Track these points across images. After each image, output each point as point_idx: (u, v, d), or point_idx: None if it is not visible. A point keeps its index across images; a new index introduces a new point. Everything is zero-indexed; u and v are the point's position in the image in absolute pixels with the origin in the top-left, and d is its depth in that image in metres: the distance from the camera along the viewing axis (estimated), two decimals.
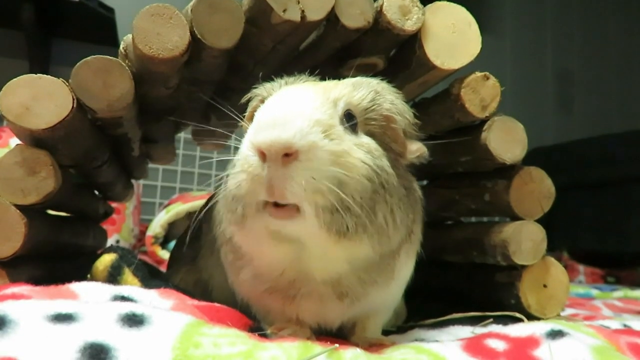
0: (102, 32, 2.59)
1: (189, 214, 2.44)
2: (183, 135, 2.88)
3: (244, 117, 0.81)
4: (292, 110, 0.64)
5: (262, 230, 0.66)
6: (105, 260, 0.94)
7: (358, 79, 0.77)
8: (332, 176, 0.63)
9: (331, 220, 0.63)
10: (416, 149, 0.77)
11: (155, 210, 2.92)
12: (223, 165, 0.70)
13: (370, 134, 0.73)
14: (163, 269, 1.54)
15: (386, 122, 0.74)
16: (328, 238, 0.65)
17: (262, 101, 0.77)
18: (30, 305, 0.57)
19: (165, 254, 2.38)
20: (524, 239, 0.97)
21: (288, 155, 0.61)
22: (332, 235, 0.64)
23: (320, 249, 0.67)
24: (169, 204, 2.61)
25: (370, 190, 0.66)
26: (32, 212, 0.81)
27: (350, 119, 0.71)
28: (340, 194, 0.62)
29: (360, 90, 0.74)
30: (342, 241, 0.65)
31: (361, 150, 0.68)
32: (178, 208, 2.51)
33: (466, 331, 0.89)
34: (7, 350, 0.49)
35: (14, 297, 0.64)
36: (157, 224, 2.49)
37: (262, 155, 0.62)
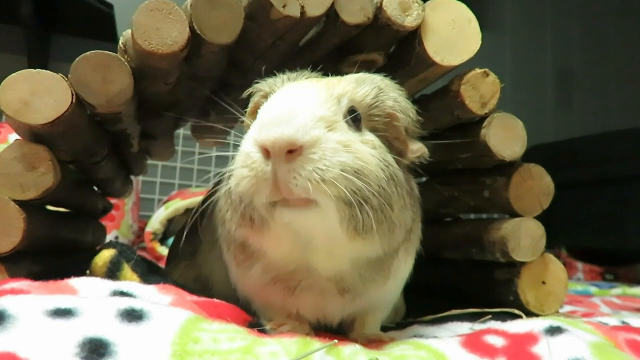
0: (101, 28, 2.58)
1: (188, 210, 2.44)
2: (182, 132, 2.87)
3: (244, 112, 0.81)
4: (296, 107, 0.64)
5: (282, 229, 0.65)
6: (105, 256, 0.93)
7: (361, 75, 0.77)
8: (341, 162, 0.62)
9: (350, 215, 0.63)
10: (417, 149, 0.77)
11: (154, 206, 2.92)
12: (222, 161, 0.70)
13: (373, 130, 0.73)
14: (162, 265, 1.54)
15: (389, 119, 0.74)
16: (344, 235, 0.64)
17: (264, 96, 0.77)
18: (30, 300, 0.57)
19: (164, 250, 2.38)
20: (523, 236, 0.97)
21: (292, 151, 0.61)
22: (349, 232, 0.64)
23: (329, 247, 0.67)
24: (168, 200, 2.61)
25: (385, 180, 0.66)
26: (31, 208, 0.81)
27: (353, 116, 0.71)
28: (356, 182, 0.62)
29: (364, 86, 0.74)
30: (357, 239, 0.65)
31: (366, 146, 0.68)
32: (177, 204, 2.50)
33: (465, 327, 0.89)
34: (6, 345, 0.49)
35: (13, 292, 0.64)
36: (156, 220, 2.49)
37: (266, 153, 0.61)
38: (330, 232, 0.65)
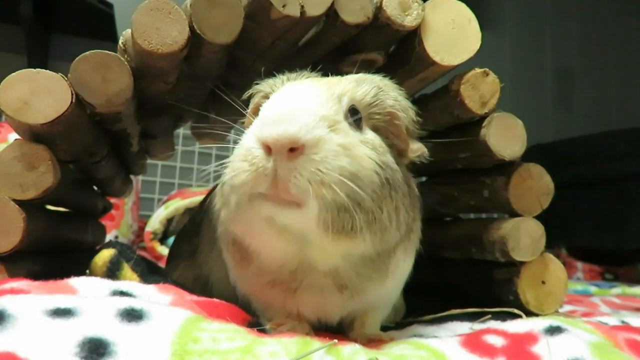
0: (100, 27, 2.58)
1: (188, 210, 2.44)
2: (182, 131, 2.87)
3: (245, 111, 0.81)
4: (298, 106, 0.64)
5: (256, 216, 0.66)
6: (104, 256, 0.93)
7: (360, 75, 0.77)
8: (341, 167, 0.62)
9: (334, 218, 0.63)
10: (417, 148, 0.77)
11: (154, 206, 2.92)
12: (222, 160, 0.70)
13: (374, 129, 0.73)
14: (162, 264, 1.54)
15: (390, 117, 0.74)
16: (324, 236, 0.65)
17: (265, 97, 0.77)
18: (29, 300, 0.57)
19: (164, 250, 2.38)
20: (523, 236, 0.97)
21: (294, 150, 0.61)
22: (331, 234, 0.64)
23: (318, 242, 0.67)
24: (167, 200, 2.61)
25: (378, 184, 0.66)
26: (30, 207, 0.81)
27: (354, 115, 0.71)
28: (352, 187, 0.62)
29: (364, 86, 0.74)
30: (341, 239, 0.65)
31: (366, 147, 0.68)
32: (177, 204, 2.50)
33: (464, 327, 0.89)
34: (6, 345, 0.49)
35: (13, 291, 0.64)
36: (156, 220, 2.49)
37: (268, 149, 0.62)
38: (310, 230, 0.65)
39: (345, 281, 0.73)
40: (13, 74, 0.78)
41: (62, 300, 0.58)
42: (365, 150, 0.67)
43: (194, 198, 2.48)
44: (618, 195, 2.94)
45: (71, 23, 2.71)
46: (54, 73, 0.79)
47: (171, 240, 2.41)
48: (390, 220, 0.69)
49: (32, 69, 0.78)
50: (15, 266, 0.81)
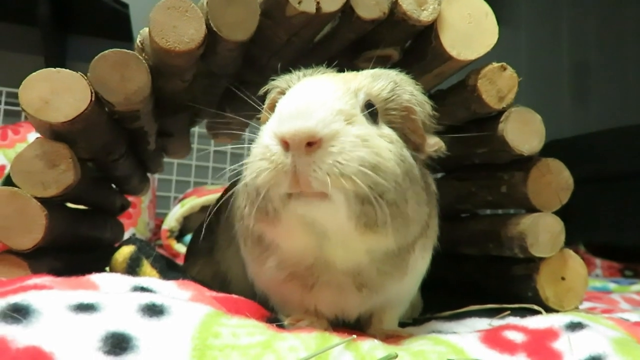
0: (116, 28, 2.60)
1: (204, 208, 2.46)
2: (197, 130, 2.89)
3: (261, 107, 0.81)
4: (315, 101, 0.64)
5: (294, 221, 0.65)
6: (124, 252, 0.95)
7: (377, 70, 0.77)
8: (360, 157, 0.62)
9: (361, 211, 0.63)
10: (434, 143, 0.76)
11: (171, 204, 2.95)
12: (237, 158, 0.70)
13: (390, 124, 0.73)
14: (179, 262, 1.55)
15: (406, 112, 0.74)
16: (354, 230, 0.65)
17: (281, 93, 0.77)
18: (53, 296, 0.58)
19: (180, 248, 2.40)
20: (542, 231, 0.96)
21: (311, 144, 0.61)
22: (359, 228, 0.64)
23: (343, 240, 0.67)
24: (184, 198, 2.63)
25: (400, 176, 0.66)
26: (52, 205, 0.82)
27: (371, 110, 0.71)
28: (373, 177, 0.62)
29: (380, 81, 0.74)
30: (368, 234, 0.65)
31: (384, 140, 0.68)
32: (193, 202, 2.53)
33: (483, 323, 0.88)
34: (31, 339, 0.50)
35: (36, 287, 0.65)
36: (173, 218, 2.51)
37: (285, 145, 0.62)
38: (341, 226, 0.65)
39: (365, 280, 0.73)
40: (33, 73, 0.79)
41: (84, 296, 0.59)
42: (384, 142, 0.67)
43: (209, 196, 2.50)
44: (637, 191, 2.89)
45: (87, 24, 2.74)
46: (73, 72, 0.80)
47: (188, 238, 2.43)
48: (414, 213, 0.69)
49: (52, 69, 0.79)
50: (38, 263, 0.83)
